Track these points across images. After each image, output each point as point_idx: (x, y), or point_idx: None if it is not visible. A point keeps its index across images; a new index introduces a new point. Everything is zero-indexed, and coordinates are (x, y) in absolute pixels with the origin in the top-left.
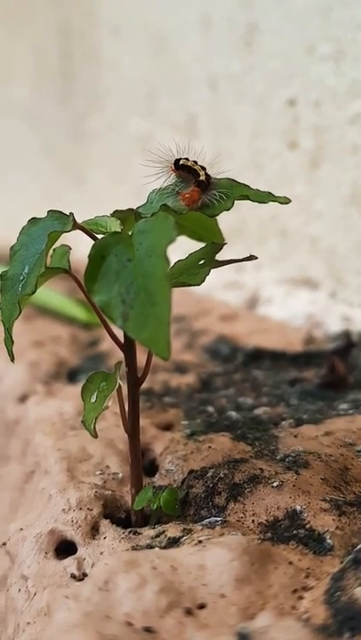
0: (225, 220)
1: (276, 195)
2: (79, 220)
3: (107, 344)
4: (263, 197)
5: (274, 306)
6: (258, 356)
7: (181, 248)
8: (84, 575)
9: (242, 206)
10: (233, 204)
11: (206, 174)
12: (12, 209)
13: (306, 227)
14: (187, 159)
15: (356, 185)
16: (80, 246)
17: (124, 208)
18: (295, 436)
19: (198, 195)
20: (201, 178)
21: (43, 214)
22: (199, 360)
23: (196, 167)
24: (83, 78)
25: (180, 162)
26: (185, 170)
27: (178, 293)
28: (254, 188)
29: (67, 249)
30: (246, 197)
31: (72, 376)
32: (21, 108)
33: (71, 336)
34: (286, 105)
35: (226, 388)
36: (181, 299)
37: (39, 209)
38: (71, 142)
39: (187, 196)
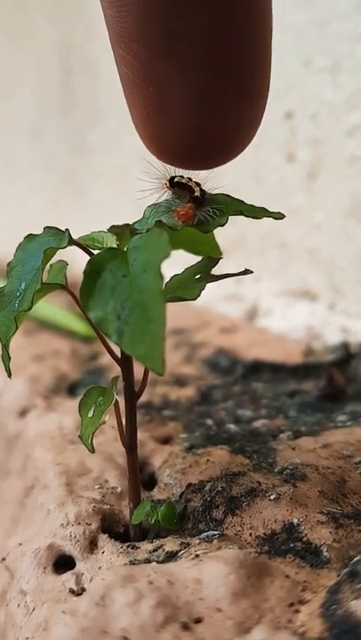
0: (224, 233)
1: (272, 209)
2: (80, 233)
3: (107, 358)
4: (257, 213)
5: (273, 318)
6: (257, 369)
7: (181, 262)
8: (83, 590)
9: (241, 219)
10: (227, 220)
11: (201, 190)
12: (14, 222)
13: (305, 239)
14: (181, 176)
15: (355, 196)
16: (79, 261)
17: (126, 221)
18: (293, 449)
19: (193, 211)
20: (196, 194)
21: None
22: (199, 373)
23: (191, 184)
24: (83, 92)
25: (175, 179)
26: (180, 187)
27: (177, 306)
28: (253, 201)
29: (64, 264)
30: (241, 213)
31: (72, 390)
32: (23, 122)
33: (71, 350)
34: (284, 118)
35: (225, 400)
36: (181, 311)
37: (41, 223)
38: (72, 156)
39: (181, 213)
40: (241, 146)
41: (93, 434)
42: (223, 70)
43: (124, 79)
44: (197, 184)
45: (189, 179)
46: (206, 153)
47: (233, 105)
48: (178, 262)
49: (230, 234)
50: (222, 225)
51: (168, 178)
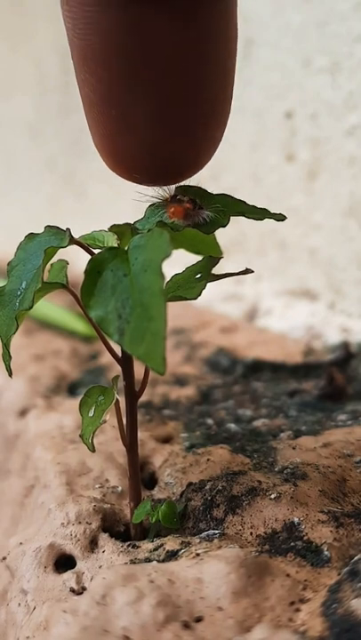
0: (225, 233)
1: (271, 209)
2: (80, 233)
3: (107, 357)
4: (259, 214)
5: (273, 317)
6: (257, 368)
7: (182, 261)
8: (83, 589)
9: (241, 219)
10: (229, 220)
11: (200, 206)
12: (14, 223)
13: (305, 238)
14: (184, 193)
15: (354, 196)
16: (80, 260)
17: (126, 222)
18: (293, 448)
19: (184, 210)
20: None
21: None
22: (199, 372)
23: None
24: None
25: (177, 197)
26: (180, 203)
27: (178, 306)
28: (253, 200)
29: (64, 264)
30: (242, 214)
31: (72, 389)
32: (23, 123)
33: (72, 349)
34: (284, 118)
35: (225, 400)
36: (181, 311)
37: (41, 223)
38: (72, 156)
39: (171, 209)
40: (196, 166)
41: (94, 433)
42: (184, 99)
43: (86, 100)
44: (194, 200)
45: (190, 199)
46: (163, 170)
47: (192, 129)
48: (179, 262)
49: (230, 233)
50: (224, 226)
51: (169, 197)
